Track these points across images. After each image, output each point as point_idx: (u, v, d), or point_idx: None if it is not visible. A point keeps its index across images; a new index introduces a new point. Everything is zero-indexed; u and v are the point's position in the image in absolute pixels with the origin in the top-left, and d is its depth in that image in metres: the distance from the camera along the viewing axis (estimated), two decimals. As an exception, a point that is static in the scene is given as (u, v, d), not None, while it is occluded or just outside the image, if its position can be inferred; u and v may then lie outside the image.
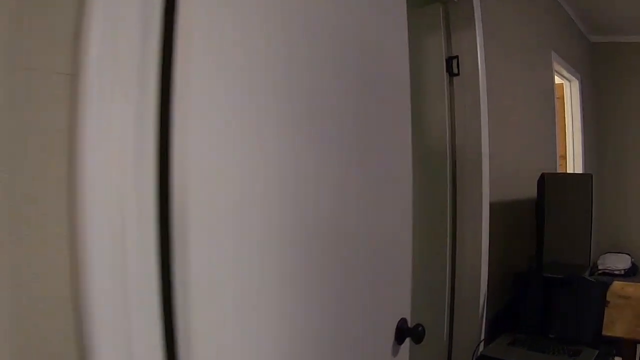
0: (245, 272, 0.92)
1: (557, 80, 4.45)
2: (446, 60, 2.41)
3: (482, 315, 2.33)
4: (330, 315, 1.14)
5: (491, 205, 2.51)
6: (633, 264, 5.12)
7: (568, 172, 4.35)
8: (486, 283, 2.34)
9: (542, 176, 2.13)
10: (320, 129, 1.11)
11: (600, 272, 5.02)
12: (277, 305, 1.00)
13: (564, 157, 4.42)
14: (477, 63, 2.35)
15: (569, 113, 4.48)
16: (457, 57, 2.39)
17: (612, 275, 4.94)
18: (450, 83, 2.41)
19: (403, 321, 1.39)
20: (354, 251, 1.22)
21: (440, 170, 2.36)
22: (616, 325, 2.41)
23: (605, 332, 2.35)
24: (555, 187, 2.34)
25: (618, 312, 2.60)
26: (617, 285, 3.12)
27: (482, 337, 2.36)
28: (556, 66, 3.92)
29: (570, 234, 2.68)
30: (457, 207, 2.34)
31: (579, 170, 4.42)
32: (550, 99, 3.61)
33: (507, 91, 2.84)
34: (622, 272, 4.95)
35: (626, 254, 5.24)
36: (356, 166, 1.23)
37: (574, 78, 4.47)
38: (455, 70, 2.38)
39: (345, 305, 1.19)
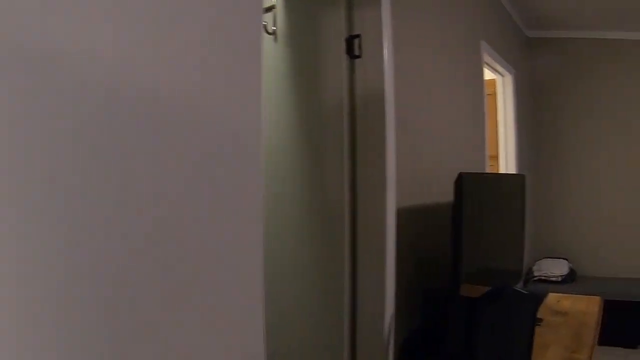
0: None
1: (491, 75, 4.18)
2: (347, 40, 2.02)
3: (389, 341, 1.94)
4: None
5: (404, 211, 2.14)
6: (571, 269, 4.91)
7: (500, 172, 4.06)
8: (393, 302, 1.96)
9: (460, 176, 1.76)
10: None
11: (536, 278, 4.77)
12: None
13: (496, 157, 4.13)
14: (382, 44, 1.98)
15: (502, 110, 4.19)
16: (359, 36, 2.01)
17: (548, 282, 4.70)
18: (351, 67, 2.03)
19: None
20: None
21: (335, 170, 1.97)
22: (549, 351, 2.07)
23: (536, 360, 2.00)
24: (478, 188, 1.98)
25: (553, 332, 2.26)
26: (552, 298, 2.80)
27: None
28: (488, 59, 3.62)
29: (500, 240, 2.35)
30: (358, 213, 1.96)
31: (512, 170, 4.14)
32: (479, 92, 3.29)
33: (425, 80, 2.49)
34: (559, 278, 4.73)
35: (564, 259, 5.02)
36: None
37: (508, 73, 4.19)
38: (356, 52, 2.00)
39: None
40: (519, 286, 4.24)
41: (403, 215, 2.12)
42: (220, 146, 1.07)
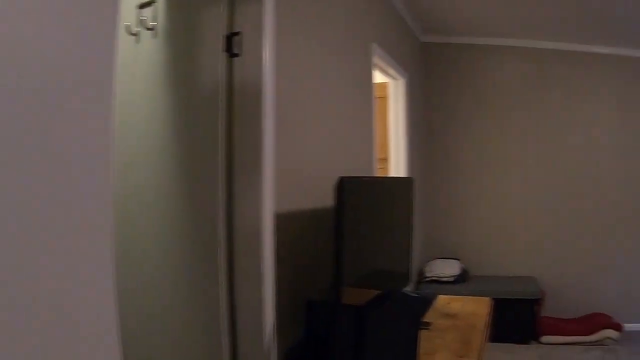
0: None
1: (383, 78, 4.18)
2: (226, 37, 1.90)
3: (270, 353, 1.82)
4: None
5: (285, 216, 2.04)
6: (463, 269, 5.02)
7: (387, 175, 4.07)
8: (273, 312, 1.85)
9: (340, 180, 1.67)
10: None
11: (428, 279, 4.85)
12: None
13: (386, 160, 4.14)
14: (263, 43, 1.87)
15: (394, 113, 4.21)
16: (239, 33, 1.90)
17: (441, 283, 4.79)
18: (230, 65, 1.90)
19: None
20: None
21: (210, 172, 1.84)
22: (436, 356, 2.02)
23: (422, 368, 1.95)
24: (360, 192, 1.91)
25: (441, 337, 2.23)
26: (442, 300, 2.80)
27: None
28: (379, 61, 3.60)
29: (386, 243, 2.29)
30: (235, 218, 1.83)
31: (402, 173, 4.16)
32: (368, 95, 3.25)
33: (310, 81, 2.40)
34: (452, 278, 4.82)
35: (455, 259, 5.14)
36: None
37: (400, 76, 4.21)
38: (235, 50, 1.88)
39: None
40: (410, 289, 4.29)
41: (284, 220, 2.01)
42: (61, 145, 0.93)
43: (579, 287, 5.26)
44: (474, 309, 2.61)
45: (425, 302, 2.70)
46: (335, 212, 1.69)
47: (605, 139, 5.26)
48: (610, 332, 4.71)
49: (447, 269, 4.89)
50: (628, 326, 5.08)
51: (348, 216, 1.72)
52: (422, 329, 2.26)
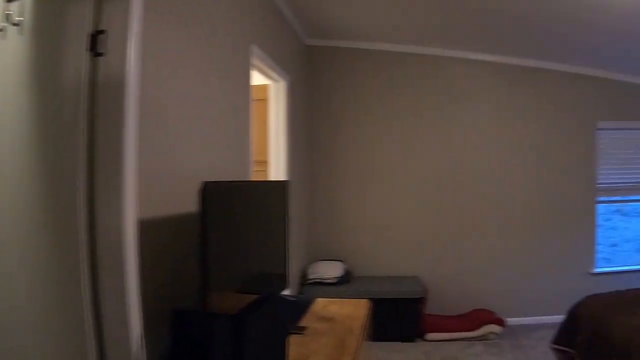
0: None
1: (265, 80, 4.14)
2: (92, 35, 1.77)
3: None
4: None
5: (150, 222, 1.93)
6: (346, 270, 5.09)
7: (268, 179, 4.04)
8: (139, 326, 1.74)
9: (204, 185, 1.60)
10: None
11: (311, 281, 4.86)
12: None
13: (266, 163, 4.10)
14: (128, 41, 1.77)
15: (275, 116, 4.18)
16: (104, 32, 1.77)
17: (324, 284, 4.82)
18: (94, 64, 1.78)
19: None
20: None
21: (70, 179, 1.70)
22: (310, 361, 2.00)
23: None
24: (227, 196, 1.86)
25: (316, 342, 2.21)
26: (320, 303, 2.79)
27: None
28: (260, 64, 3.55)
29: (260, 247, 2.25)
30: (96, 226, 1.71)
31: (282, 177, 4.14)
32: (245, 96, 3.18)
33: (181, 81, 2.30)
34: (335, 280, 4.87)
35: (339, 260, 5.20)
36: None
37: (282, 79, 4.19)
38: (100, 49, 1.76)
39: None
40: (292, 291, 4.27)
41: (149, 227, 1.91)
42: None
43: (462, 285, 5.51)
44: (352, 311, 2.62)
45: (303, 306, 2.68)
46: (200, 217, 1.62)
47: (484, 141, 5.56)
48: (493, 327, 4.97)
49: (331, 270, 4.93)
50: (510, 321, 5.41)
51: (213, 221, 1.65)
52: (295, 333, 2.23)
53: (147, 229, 1.90)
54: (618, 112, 5.70)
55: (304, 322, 2.43)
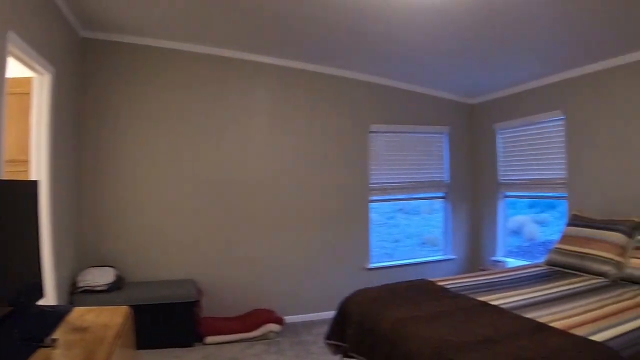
0: None
1: (29, 73, 3.78)
2: None
3: None
4: None
5: None
6: (118, 277, 4.86)
7: (31, 179, 3.70)
8: None
9: None
10: None
11: (80, 289, 4.56)
12: None
13: (26, 162, 3.74)
14: None
15: (37, 111, 3.82)
16: None
17: (94, 292, 4.55)
18: None
19: None
20: None
21: None
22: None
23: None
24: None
25: (65, 355, 2.07)
26: (76, 312, 2.62)
27: None
28: (19, 53, 3.23)
29: (5, 254, 2.05)
30: None
31: (44, 177, 3.81)
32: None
33: None
34: (106, 287, 4.62)
35: (110, 267, 4.95)
36: None
37: (46, 72, 3.85)
38: None
39: None
40: (57, 301, 3.95)
41: None
42: None
43: (242, 286, 5.59)
44: (108, 319, 2.51)
45: (57, 317, 2.50)
46: None
47: (260, 143, 5.72)
48: (272, 326, 5.12)
49: (101, 277, 4.67)
50: (292, 318, 5.65)
51: None
52: (44, 347, 2.07)
53: None
54: (388, 116, 6.30)
55: (56, 334, 2.27)
